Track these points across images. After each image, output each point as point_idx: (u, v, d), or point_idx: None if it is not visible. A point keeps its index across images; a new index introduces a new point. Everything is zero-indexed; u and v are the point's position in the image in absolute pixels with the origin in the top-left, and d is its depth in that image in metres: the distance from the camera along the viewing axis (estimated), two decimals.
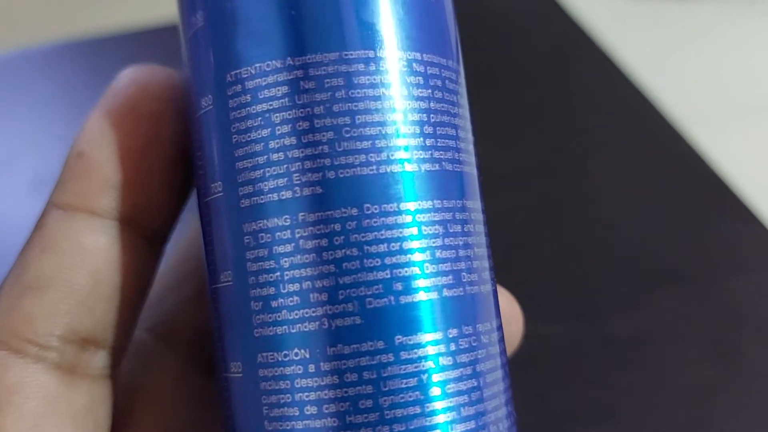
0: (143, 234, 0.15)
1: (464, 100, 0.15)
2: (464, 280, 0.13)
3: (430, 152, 0.13)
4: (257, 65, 0.13)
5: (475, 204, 0.14)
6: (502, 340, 0.15)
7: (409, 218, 0.13)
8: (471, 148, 0.15)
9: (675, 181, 0.38)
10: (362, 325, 0.13)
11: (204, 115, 0.14)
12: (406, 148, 0.13)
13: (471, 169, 0.14)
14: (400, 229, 0.13)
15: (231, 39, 0.13)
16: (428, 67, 0.14)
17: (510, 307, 0.18)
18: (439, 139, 0.14)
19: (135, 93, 0.14)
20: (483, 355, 0.13)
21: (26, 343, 0.13)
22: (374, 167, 0.13)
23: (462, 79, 0.15)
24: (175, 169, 0.15)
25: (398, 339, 0.13)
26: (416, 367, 0.13)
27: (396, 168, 0.13)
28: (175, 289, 0.18)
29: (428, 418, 0.13)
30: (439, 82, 0.14)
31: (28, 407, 0.13)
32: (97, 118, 0.14)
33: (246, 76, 0.13)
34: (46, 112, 0.44)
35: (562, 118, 0.43)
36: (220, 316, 0.14)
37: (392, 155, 0.13)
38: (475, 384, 0.13)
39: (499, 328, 0.15)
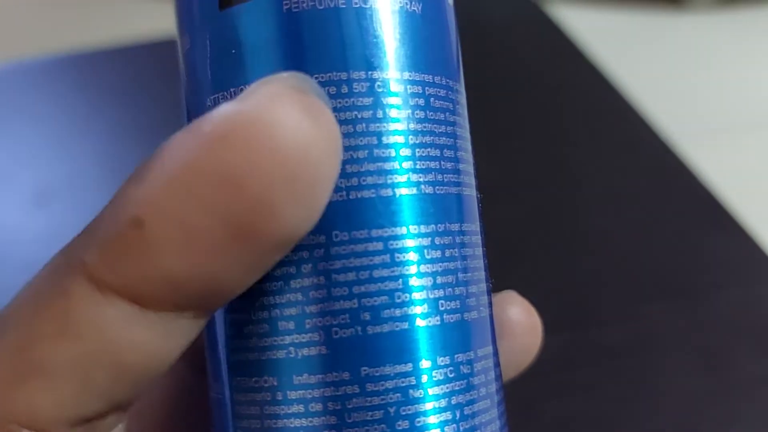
0: (193, 317, 0.12)
1: (457, 117, 0.14)
2: (441, 309, 0.13)
3: (405, 175, 0.13)
4: (232, 90, 0.13)
5: (463, 226, 0.14)
6: (494, 367, 0.14)
7: (379, 246, 0.13)
8: (465, 166, 0.14)
9: (665, 195, 0.39)
10: (328, 355, 0.12)
11: None
12: (379, 173, 0.13)
13: (461, 189, 0.14)
14: (370, 257, 0.12)
15: (211, 62, 0.13)
16: (409, 87, 0.13)
17: (527, 318, 0.17)
18: (418, 161, 0.13)
19: (240, 158, 0.10)
20: (461, 387, 0.13)
21: (23, 430, 0.11)
22: (343, 193, 0.13)
23: (456, 95, 0.14)
24: (262, 263, 0.11)
25: (364, 370, 0.12)
26: (382, 400, 0.12)
27: (366, 194, 0.13)
28: None
29: None
30: (422, 102, 0.13)
31: None
32: (170, 173, 0.10)
33: (224, 100, 0.13)
34: (45, 123, 0.45)
35: (553, 132, 0.44)
36: (208, 337, 0.14)
37: (363, 180, 0.13)
38: (450, 417, 0.13)
39: (491, 355, 0.14)
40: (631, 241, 0.36)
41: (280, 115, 0.10)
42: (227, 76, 0.13)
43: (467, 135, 0.14)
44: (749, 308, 0.33)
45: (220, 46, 0.13)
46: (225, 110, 0.10)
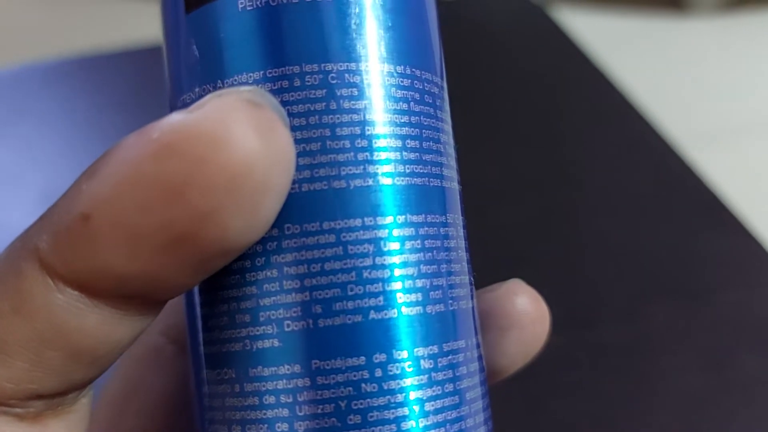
0: (139, 310, 0.12)
1: (439, 111, 0.14)
2: (399, 301, 0.13)
3: (361, 167, 0.13)
4: (196, 90, 0.14)
5: (428, 217, 0.13)
6: (470, 361, 0.14)
7: (332, 237, 0.12)
8: (432, 157, 0.14)
9: (668, 196, 0.39)
10: (280, 347, 0.12)
11: None
12: (330, 165, 0.13)
13: (425, 180, 0.13)
14: (322, 250, 0.12)
15: (179, 66, 0.14)
16: (364, 77, 0.13)
17: (535, 307, 0.17)
18: (375, 152, 0.13)
19: (185, 169, 0.10)
20: (420, 382, 0.13)
21: None
22: (296, 186, 0.13)
23: (437, 89, 0.14)
24: (203, 267, 0.11)
25: (315, 363, 0.12)
26: (333, 393, 0.12)
27: (318, 186, 0.13)
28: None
29: None
30: (379, 92, 0.13)
31: None
32: (119, 175, 0.11)
33: (189, 101, 0.14)
34: (51, 125, 0.46)
35: (556, 133, 0.44)
36: (186, 331, 0.14)
37: (315, 173, 0.13)
38: (407, 413, 0.12)
39: (461, 350, 0.13)
40: (634, 242, 0.37)
41: (226, 129, 0.10)
42: (192, 78, 0.14)
43: (442, 125, 0.14)
44: (750, 309, 0.33)
45: (187, 49, 0.14)
46: (173, 119, 0.11)
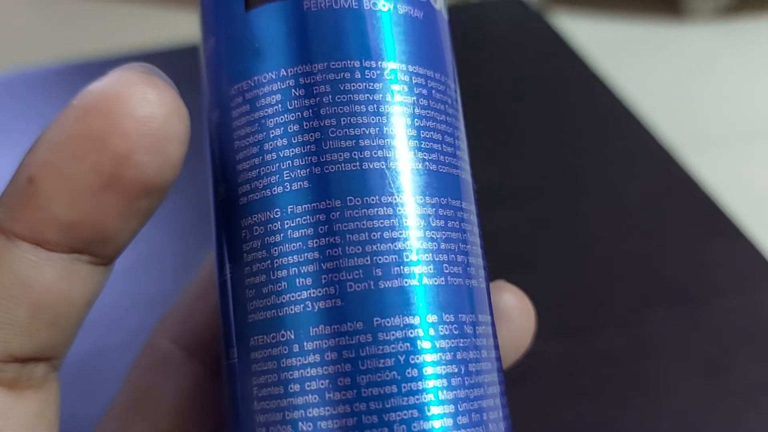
0: (91, 261, 0.14)
1: (455, 111, 0.16)
2: (445, 271, 0.14)
3: (412, 152, 0.14)
4: (255, 78, 0.15)
5: (462, 204, 0.15)
6: (494, 339, 0.15)
7: (389, 210, 0.14)
8: (462, 154, 0.16)
9: (667, 202, 0.40)
10: (342, 307, 0.13)
11: (215, 128, 0.16)
12: (388, 148, 0.14)
13: (459, 173, 0.15)
14: (381, 220, 0.14)
15: (235, 57, 0.15)
16: (413, 77, 0.15)
17: (521, 302, 0.18)
18: (423, 141, 0.15)
19: (102, 119, 0.13)
20: (465, 344, 0.14)
21: None
22: (357, 164, 0.14)
23: (453, 93, 0.16)
24: (134, 207, 0.13)
25: (376, 321, 0.13)
26: (393, 348, 0.13)
27: (377, 165, 0.14)
28: (200, 301, 0.19)
29: (405, 398, 0.13)
30: (424, 91, 0.15)
31: None
32: (53, 138, 0.13)
33: (246, 88, 0.15)
34: None
35: (556, 140, 0.45)
36: (224, 307, 0.15)
37: (375, 153, 0.14)
38: (456, 370, 0.14)
39: (490, 326, 0.15)
40: (634, 248, 0.37)
41: (130, 88, 0.13)
42: (251, 67, 0.15)
43: (462, 127, 0.16)
44: (750, 315, 0.34)
45: (246, 42, 0.15)
46: (88, 88, 0.13)
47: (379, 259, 0.14)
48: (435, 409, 0.13)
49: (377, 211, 0.14)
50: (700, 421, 0.29)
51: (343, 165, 0.14)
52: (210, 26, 0.16)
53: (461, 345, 0.14)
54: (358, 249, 0.14)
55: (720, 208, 0.39)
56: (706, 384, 0.30)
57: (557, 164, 0.43)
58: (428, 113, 0.15)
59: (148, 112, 0.13)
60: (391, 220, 0.14)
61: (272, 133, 0.14)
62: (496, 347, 0.15)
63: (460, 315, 0.14)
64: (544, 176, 0.42)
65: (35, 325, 0.13)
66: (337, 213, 0.14)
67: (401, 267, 0.14)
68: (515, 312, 0.18)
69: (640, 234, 0.38)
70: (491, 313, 0.16)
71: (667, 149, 0.43)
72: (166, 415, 0.17)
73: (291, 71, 0.14)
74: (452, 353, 0.14)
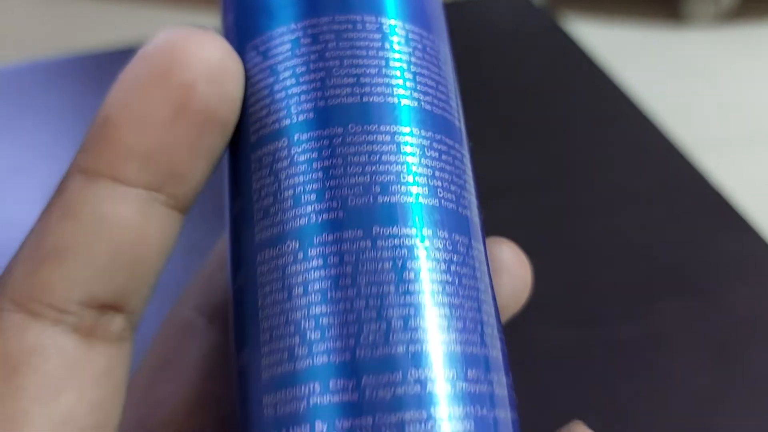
0: (166, 203, 0.14)
1: (449, 69, 0.17)
2: (439, 195, 0.15)
3: (409, 91, 0.16)
4: (268, 33, 0.16)
5: (456, 145, 0.16)
6: (487, 268, 0.16)
7: (387, 138, 0.15)
8: (456, 107, 0.17)
9: (676, 195, 0.41)
10: (344, 218, 0.14)
11: None
12: (386, 85, 0.16)
13: (453, 120, 0.17)
14: (380, 145, 0.15)
15: (251, 18, 0.17)
16: (410, 33, 0.17)
17: (516, 254, 0.19)
18: (418, 84, 0.16)
19: (167, 59, 0.14)
20: (459, 260, 0.15)
21: (44, 307, 0.13)
22: (358, 97, 0.15)
23: (447, 55, 0.18)
24: (202, 139, 0.14)
25: (375, 229, 0.14)
26: (391, 254, 0.14)
27: (377, 99, 0.15)
28: (220, 272, 0.20)
29: (402, 296, 0.14)
30: (419, 46, 0.17)
31: (47, 369, 0.13)
32: (125, 82, 0.14)
33: (259, 43, 0.17)
34: (53, 122, 0.47)
35: (563, 133, 0.46)
36: (233, 236, 0.16)
37: (374, 89, 0.16)
38: (450, 279, 0.14)
39: (485, 260, 0.16)
40: (644, 240, 0.38)
41: (189, 35, 0.15)
42: (264, 24, 0.17)
43: (455, 87, 0.18)
44: (760, 305, 0.34)
45: (260, 5, 0.17)
46: (151, 40, 0.15)
47: (378, 178, 0.15)
48: (431, 311, 0.14)
49: (376, 138, 0.15)
50: (710, 410, 0.30)
51: (345, 98, 0.15)
52: (229, 3, 0.18)
53: (455, 260, 0.15)
54: (359, 169, 0.15)
55: (728, 202, 0.40)
56: (715, 374, 0.31)
57: (568, 157, 0.44)
58: (423, 63, 0.17)
59: (207, 50, 0.14)
60: (390, 146, 0.15)
61: (281, 75, 0.16)
62: (491, 280, 0.16)
63: (453, 234, 0.15)
64: (554, 171, 0.43)
65: (115, 265, 0.14)
66: (339, 138, 0.15)
67: (398, 185, 0.15)
68: (512, 263, 0.19)
69: (650, 226, 0.39)
70: (485, 246, 0.16)
71: (674, 144, 0.44)
72: (189, 377, 0.18)
73: (300, 25, 0.16)
74: (446, 264, 0.15)
